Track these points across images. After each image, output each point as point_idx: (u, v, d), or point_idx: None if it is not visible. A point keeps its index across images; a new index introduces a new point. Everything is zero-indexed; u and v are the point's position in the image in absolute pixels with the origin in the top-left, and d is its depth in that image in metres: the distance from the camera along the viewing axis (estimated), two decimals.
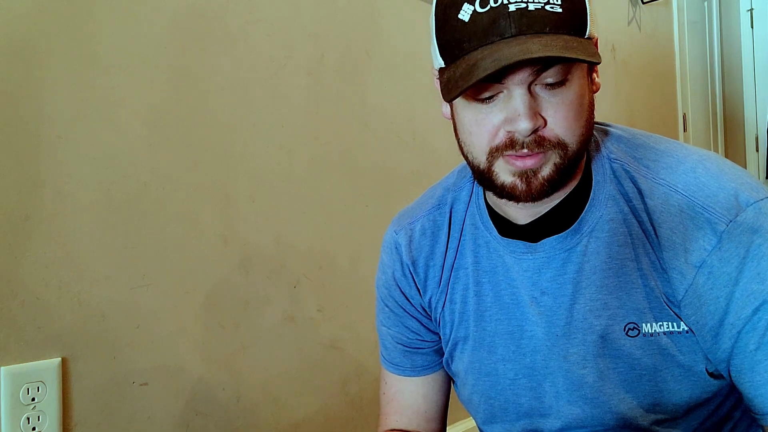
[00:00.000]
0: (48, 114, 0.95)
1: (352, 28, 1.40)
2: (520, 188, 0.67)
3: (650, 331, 0.69)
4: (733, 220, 0.65)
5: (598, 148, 0.75)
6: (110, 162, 1.01)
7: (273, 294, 1.23)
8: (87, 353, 0.98)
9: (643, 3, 2.44)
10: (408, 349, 0.87)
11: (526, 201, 0.68)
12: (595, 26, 0.68)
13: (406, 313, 0.86)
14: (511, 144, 0.65)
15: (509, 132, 0.65)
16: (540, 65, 0.63)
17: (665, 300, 0.69)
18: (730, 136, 3.17)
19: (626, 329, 0.70)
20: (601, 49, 2.23)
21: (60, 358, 0.94)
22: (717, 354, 0.68)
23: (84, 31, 0.99)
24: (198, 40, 1.14)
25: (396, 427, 0.88)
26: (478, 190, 0.81)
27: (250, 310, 1.19)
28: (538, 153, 0.66)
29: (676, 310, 0.68)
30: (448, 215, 0.83)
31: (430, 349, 0.86)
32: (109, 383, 1.00)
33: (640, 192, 0.71)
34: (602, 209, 0.72)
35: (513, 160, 0.66)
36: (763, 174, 3.07)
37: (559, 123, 0.65)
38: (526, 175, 0.67)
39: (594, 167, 0.74)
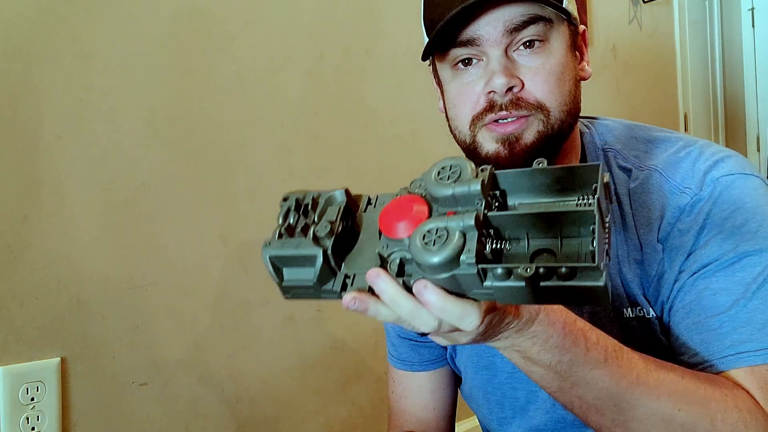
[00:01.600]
0: (47, 114, 0.95)
1: (352, 28, 1.39)
2: (503, 154, 0.68)
3: (629, 316, 0.71)
4: (697, 194, 0.67)
5: (592, 140, 0.77)
6: (109, 162, 1.01)
7: (273, 294, 1.22)
8: (86, 353, 0.97)
9: (644, 2, 2.44)
10: (415, 342, 0.87)
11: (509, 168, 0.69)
12: (572, 7, 0.70)
13: None
14: (490, 107, 0.68)
15: (488, 94, 0.67)
16: (515, 25, 0.65)
17: (640, 285, 0.70)
18: (732, 135, 3.16)
19: (611, 315, 0.71)
20: (602, 48, 2.23)
21: (59, 358, 0.94)
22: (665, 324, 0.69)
23: (83, 30, 0.99)
24: (197, 40, 1.13)
25: (406, 429, 0.89)
26: None
27: (250, 310, 1.19)
28: (518, 118, 0.67)
29: (648, 295, 0.70)
30: None
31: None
32: (108, 383, 1.00)
33: (628, 178, 0.72)
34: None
35: (494, 126, 0.68)
36: (764, 174, 3.06)
37: (538, 86, 0.67)
38: (508, 141, 0.68)
39: (589, 158, 0.76)
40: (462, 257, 0.43)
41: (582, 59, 0.74)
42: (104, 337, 1.00)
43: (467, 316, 0.45)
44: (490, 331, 0.49)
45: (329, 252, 0.48)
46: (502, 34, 0.66)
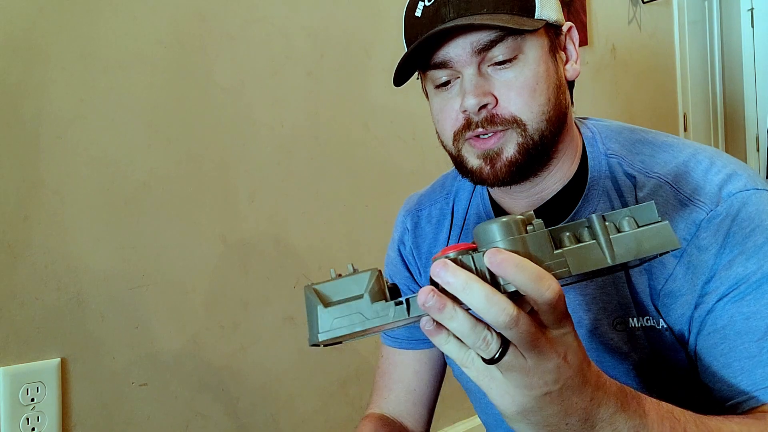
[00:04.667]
0: (47, 114, 0.95)
1: (352, 28, 1.39)
2: (486, 171, 0.69)
3: (636, 326, 0.70)
4: (714, 210, 0.66)
5: (596, 144, 0.76)
6: (109, 162, 1.01)
7: (273, 294, 1.22)
8: (86, 353, 0.97)
9: (644, 2, 2.44)
10: None
11: (495, 184, 0.70)
12: (551, 10, 0.69)
13: (409, 278, 0.89)
14: (468, 125, 0.68)
15: (464, 113, 0.68)
16: (483, 46, 0.66)
17: (649, 295, 0.69)
18: (731, 135, 3.16)
19: (614, 323, 0.70)
20: (602, 48, 2.23)
21: (59, 359, 0.94)
22: (689, 347, 0.68)
23: (84, 30, 0.99)
24: (198, 40, 1.13)
25: (380, 411, 0.90)
26: None
27: (250, 310, 1.19)
28: (495, 133, 0.67)
29: (658, 306, 0.69)
30: (451, 205, 0.86)
31: None
32: (108, 383, 1.00)
33: (634, 186, 0.71)
34: (595, 204, 0.73)
35: (473, 142, 0.69)
36: (763, 174, 3.07)
37: (512, 100, 0.67)
38: (489, 157, 0.68)
39: (591, 163, 0.75)
40: (529, 226, 0.45)
41: (568, 59, 0.74)
42: (104, 337, 1.00)
43: (544, 278, 0.42)
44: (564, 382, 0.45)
45: (383, 274, 0.48)
46: (470, 55, 0.66)
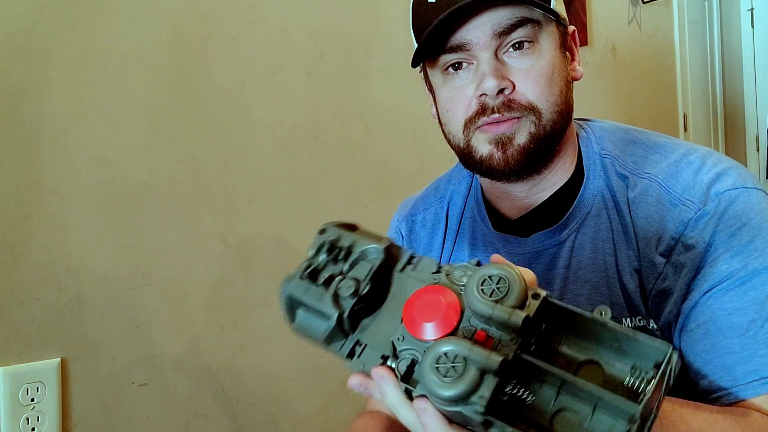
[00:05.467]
0: (47, 114, 0.95)
1: (352, 28, 1.39)
2: (497, 157, 0.68)
3: (629, 326, 0.69)
4: (702, 209, 0.66)
5: (591, 145, 0.76)
6: (110, 162, 1.01)
7: (273, 294, 1.22)
8: (86, 353, 0.97)
9: (644, 2, 2.44)
10: None
11: (505, 173, 0.69)
12: (560, 8, 0.70)
13: None
14: (483, 110, 0.68)
15: (480, 98, 0.67)
16: (503, 29, 0.65)
17: (641, 296, 0.69)
18: (731, 135, 3.16)
19: None
20: (602, 48, 2.23)
21: (59, 359, 0.94)
22: (674, 342, 0.68)
23: (83, 30, 0.99)
24: (198, 40, 1.13)
25: (379, 407, 0.89)
26: (477, 183, 0.82)
27: (250, 310, 1.19)
28: (510, 119, 0.67)
29: (650, 307, 0.69)
30: (446, 209, 0.85)
31: None
32: (108, 383, 1.00)
33: (626, 186, 0.71)
34: (590, 204, 0.73)
35: (486, 127, 0.68)
36: (763, 174, 3.06)
37: (530, 87, 0.67)
38: (501, 143, 0.68)
39: (586, 163, 0.75)
40: (472, 398, 0.38)
41: (573, 59, 0.74)
42: (104, 337, 1.00)
43: None
44: None
45: (345, 316, 0.47)
46: (490, 38, 0.66)
